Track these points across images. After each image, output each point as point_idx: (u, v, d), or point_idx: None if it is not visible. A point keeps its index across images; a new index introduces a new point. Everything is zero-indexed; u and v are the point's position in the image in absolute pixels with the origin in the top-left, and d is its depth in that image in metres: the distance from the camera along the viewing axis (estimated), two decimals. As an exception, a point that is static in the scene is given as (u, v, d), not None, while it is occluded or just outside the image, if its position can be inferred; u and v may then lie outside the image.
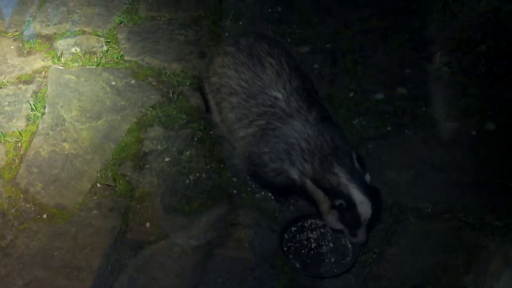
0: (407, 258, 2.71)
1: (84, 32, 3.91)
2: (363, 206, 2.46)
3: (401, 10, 4.01)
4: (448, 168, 3.07)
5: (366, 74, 3.59)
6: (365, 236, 2.57)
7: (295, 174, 2.62)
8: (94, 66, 3.65)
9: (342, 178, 2.46)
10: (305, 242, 2.79)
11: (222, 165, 3.12)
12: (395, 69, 3.63)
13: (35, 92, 3.50)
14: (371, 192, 2.50)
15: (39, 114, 3.36)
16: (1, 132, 3.27)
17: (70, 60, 3.69)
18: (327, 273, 2.68)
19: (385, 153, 3.12)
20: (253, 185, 3.02)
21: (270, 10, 4.07)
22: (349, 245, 2.76)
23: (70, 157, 3.16)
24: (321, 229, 2.83)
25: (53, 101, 3.45)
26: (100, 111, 3.40)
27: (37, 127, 3.31)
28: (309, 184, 2.57)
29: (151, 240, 2.82)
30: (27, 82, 3.57)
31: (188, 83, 3.54)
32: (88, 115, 3.37)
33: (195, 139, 3.25)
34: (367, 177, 2.53)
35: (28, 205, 2.96)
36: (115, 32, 3.92)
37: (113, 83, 3.56)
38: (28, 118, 3.36)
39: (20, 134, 3.27)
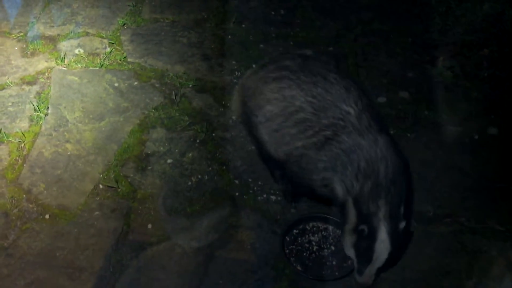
0: (408, 261, 2.71)
1: (87, 34, 3.92)
2: (382, 245, 2.38)
3: (404, 13, 4.02)
4: (450, 172, 3.07)
5: (369, 78, 3.60)
6: (369, 278, 2.48)
7: (340, 191, 2.53)
8: (97, 68, 3.66)
9: (380, 212, 2.38)
10: (307, 245, 2.79)
11: (224, 167, 3.12)
12: (397, 72, 3.64)
13: (38, 93, 3.51)
14: (397, 239, 2.42)
15: (42, 115, 3.37)
16: (4, 132, 3.28)
17: (74, 61, 3.70)
18: (329, 276, 2.68)
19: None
20: (255, 188, 3.02)
21: (273, 12, 4.08)
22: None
23: (73, 158, 3.17)
24: (323, 232, 2.84)
25: (56, 102, 3.45)
26: (103, 112, 3.41)
27: (40, 128, 3.32)
28: (349, 202, 2.48)
29: (153, 241, 2.82)
30: (30, 83, 3.58)
31: (190, 85, 3.55)
32: (91, 116, 3.38)
33: (197, 141, 3.25)
34: (402, 225, 2.44)
35: (30, 206, 2.96)
36: (118, 34, 3.93)
37: (116, 84, 3.57)
38: (31, 119, 3.37)
39: (23, 134, 3.28)
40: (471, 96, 3.46)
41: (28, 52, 3.78)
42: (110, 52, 3.77)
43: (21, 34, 3.91)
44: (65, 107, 3.42)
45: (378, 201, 2.39)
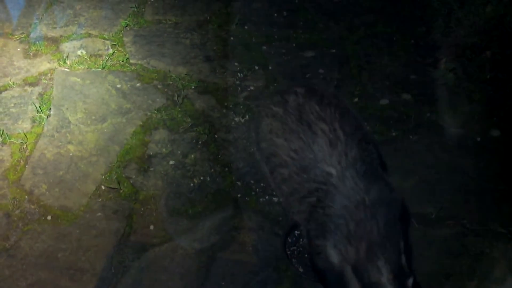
0: (410, 264, 2.70)
1: (90, 35, 3.92)
2: None
3: (406, 15, 4.02)
4: (452, 174, 3.07)
5: (371, 80, 3.60)
6: None
7: (335, 258, 2.32)
8: (100, 69, 3.67)
9: (383, 277, 2.16)
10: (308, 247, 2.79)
11: (227, 169, 3.12)
12: (400, 74, 3.63)
13: (40, 94, 3.52)
14: None
15: (45, 116, 3.37)
16: (6, 133, 3.28)
17: (76, 62, 3.70)
18: (331, 278, 2.67)
19: (390, 159, 3.11)
20: (257, 189, 3.02)
21: (275, 14, 4.08)
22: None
23: (75, 159, 3.17)
24: (325, 234, 2.83)
25: (58, 103, 3.46)
26: (105, 113, 3.41)
27: (43, 129, 3.32)
28: (348, 271, 2.27)
29: (155, 242, 2.82)
30: (33, 84, 3.59)
31: (193, 87, 3.55)
32: (93, 117, 3.38)
33: (200, 142, 3.25)
34: (410, 282, 2.22)
35: (32, 207, 2.97)
36: (121, 35, 3.93)
37: (119, 86, 3.57)
38: (33, 120, 3.37)
39: (25, 135, 3.28)
40: (474, 98, 3.46)
41: (31, 53, 3.79)
42: (112, 54, 3.78)
43: (23, 35, 3.92)
44: (67, 109, 3.43)
45: (377, 262, 2.19)
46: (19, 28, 3.98)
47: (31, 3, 4.19)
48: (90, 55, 3.77)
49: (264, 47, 3.84)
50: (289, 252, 2.76)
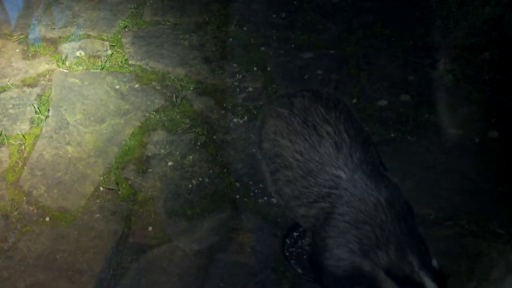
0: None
1: (88, 36, 3.93)
2: None
3: (405, 17, 4.03)
4: (451, 175, 3.07)
5: (370, 81, 3.60)
6: None
7: (367, 266, 2.31)
8: (99, 70, 3.67)
9: (415, 266, 2.22)
10: (307, 248, 2.79)
11: (225, 170, 3.12)
12: (398, 75, 3.64)
13: (39, 95, 3.52)
14: (440, 279, 2.28)
15: (43, 117, 3.37)
16: (5, 134, 3.28)
17: (75, 63, 3.70)
18: (329, 279, 2.67)
19: (388, 160, 3.11)
20: (256, 190, 3.02)
21: (274, 15, 4.09)
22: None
23: (74, 160, 3.17)
24: (324, 235, 2.83)
25: (57, 104, 3.46)
26: (103, 114, 3.41)
27: (41, 130, 3.32)
28: (381, 275, 2.28)
29: (153, 244, 2.82)
30: (31, 85, 3.59)
31: (192, 88, 3.55)
32: (91, 118, 3.38)
33: (198, 143, 3.25)
34: (434, 263, 2.29)
35: (31, 208, 2.96)
36: (119, 36, 3.93)
37: (117, 87, 3.57)
38: (32, 121, 3.37)
39: (24, 137, 3.28)
40: (472, 99, 3.46)
41: (29, 54, 3.79)
42: (111, 55, 3.78)
43: (22, 36, 3.92)
44: (66, 110, 3.42)
45: (408, 257, 2.23)
46: (17, 29, 3.99)
47: (30, 4, 4.19)
48: (89, 56, 3.77)
49: (263, 48, 3.84)
50: (287, 254, 2.76)
